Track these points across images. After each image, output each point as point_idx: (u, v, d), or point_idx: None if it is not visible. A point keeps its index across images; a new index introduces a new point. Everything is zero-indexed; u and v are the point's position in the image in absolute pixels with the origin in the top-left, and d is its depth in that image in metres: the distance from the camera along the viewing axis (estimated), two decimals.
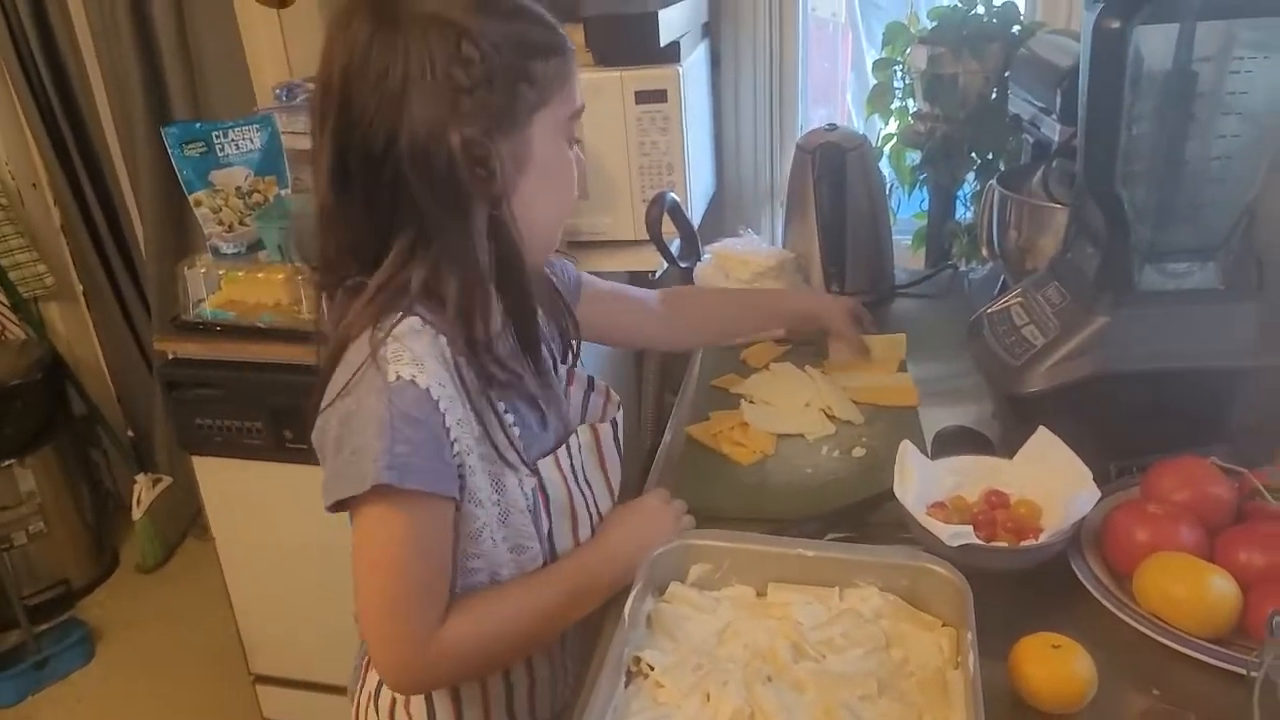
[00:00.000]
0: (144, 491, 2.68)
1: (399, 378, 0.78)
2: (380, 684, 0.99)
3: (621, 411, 1.05)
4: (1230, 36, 0.94)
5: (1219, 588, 0.86)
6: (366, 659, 1.00)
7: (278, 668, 2.09)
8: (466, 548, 0.86)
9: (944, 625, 0.86)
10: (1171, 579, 0.88)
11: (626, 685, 0.82)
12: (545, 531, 0.93)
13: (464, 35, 0.78)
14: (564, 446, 0.95)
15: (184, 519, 2.86)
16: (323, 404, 0.82)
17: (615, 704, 0.80)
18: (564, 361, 1.04)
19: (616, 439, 1.02)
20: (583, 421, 1.01)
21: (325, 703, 2.01)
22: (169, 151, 1.82)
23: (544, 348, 0.97)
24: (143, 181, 2.46)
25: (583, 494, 0.97)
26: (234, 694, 2.18)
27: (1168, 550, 0.91)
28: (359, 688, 1.02)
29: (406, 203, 0.81)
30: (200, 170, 1.84)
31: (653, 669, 0.83)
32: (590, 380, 1.04)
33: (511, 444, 0.88)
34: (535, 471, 0.90)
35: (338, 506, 0.81)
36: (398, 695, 0.97)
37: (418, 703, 0.96)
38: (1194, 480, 0.97)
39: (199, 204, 1.84)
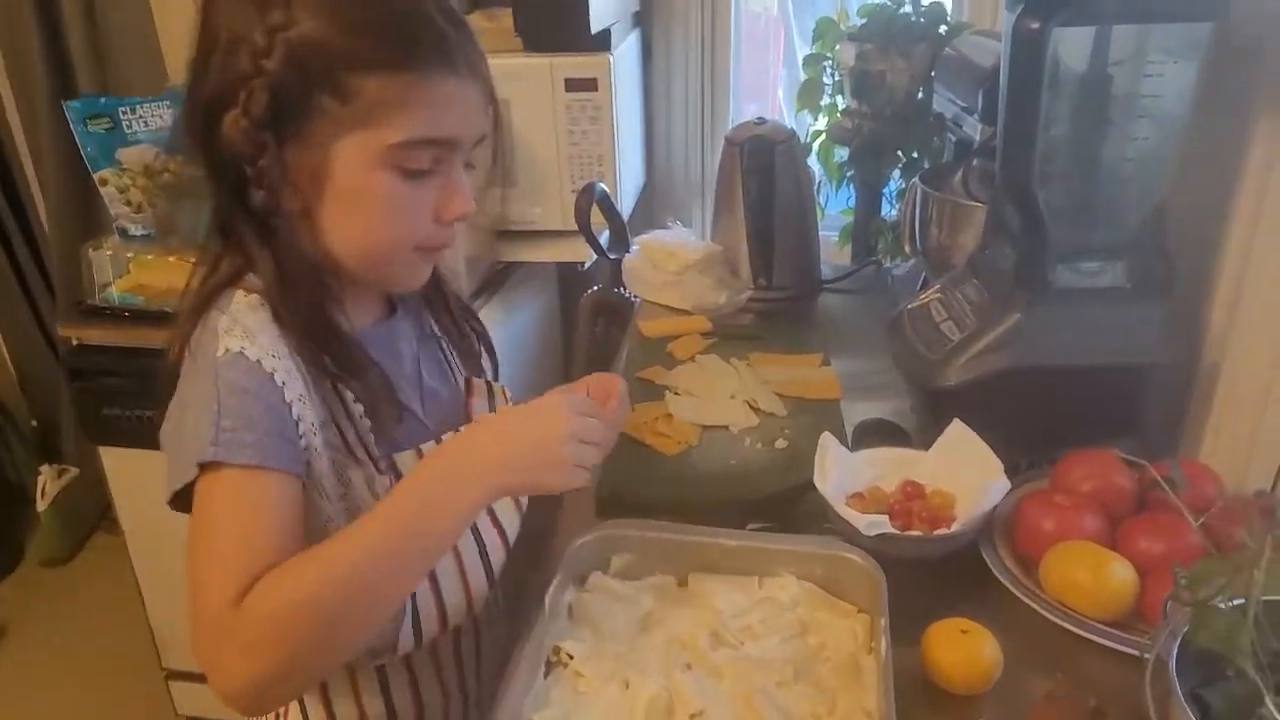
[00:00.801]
0: (49, 483, 2.58)
1: (227, 351, 0.74)
2: None
3: (505, 402, 1.00)
4: (1144, 41, 0.98)
5: (1119, 574, 0.89)
6: None
7: (191, 663, 2.03)
8: (314, 541, 0.73)
9: (859, 612, 0.88)
10: (1075, 566, 0.91)
11: (546, 675, 0.82)
12: None
13: (266, 16, 0.72)
14: (433, 441, 0.87)
15: (92, 512, 2.76)
16: (168, 408, 0.78)
17: (534, 693, 0.79)
18: (479, 376, 1.00)
19: None
20: None
21: None
22: (72, 128, 1.74)
23: (446, 355, 0.96)
24: (46, 159, 2.36)
25: None
26: (147, 690, 2.12)
27: (1073, 539, 0.94)
28: None
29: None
30: (106, 148, 1.77)
31: (572, 658, 0.82)
32: (489, 386, 1.00)
33: (360, 437, 0.82)
34: (393, 467, 0.83)
35: (179, 503, 0.74)
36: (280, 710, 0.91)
37: (295, 715, 0.90)
38: (1099, 472, 1.01)
39: (105, 183, 1.77)
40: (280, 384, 0.75)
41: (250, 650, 0.67)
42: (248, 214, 0.77)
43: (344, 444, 0.81)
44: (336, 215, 0.78)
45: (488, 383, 1.00)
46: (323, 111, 0.73)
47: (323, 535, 0.73)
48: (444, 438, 0.88)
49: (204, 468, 0.71)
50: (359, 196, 0.77)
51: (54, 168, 2.34)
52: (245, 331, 0.75)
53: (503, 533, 0.92)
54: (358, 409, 0.82)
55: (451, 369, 0.98)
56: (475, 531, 0.88)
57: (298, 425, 0.76)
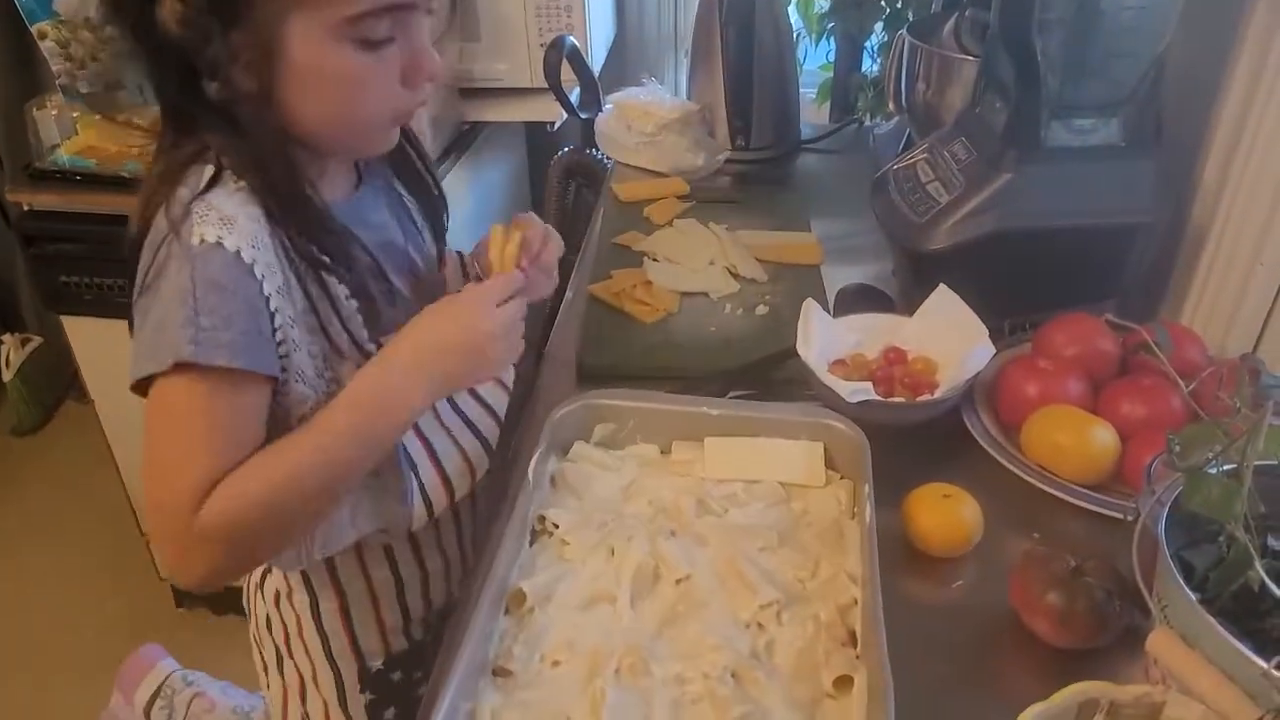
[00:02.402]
0: (12, 352, 2.54)
1: (203, 240, 0.70)
2: (266, 570, 0.94)
3: (476, 272, 0.97)
4: None
5: (1101, 438, 0.90)
6: None
7: None
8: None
9: (842, 478, 0.88)
10: (1057, 430, 0.92)
11: (531, 544, 0.82)
12: None
13: None
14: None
15: (60, 380, 2.72)
16: (135, 288, 0.74)
17: (521, 561, 0.79)
18: (438, 238, 0.96)
19: None
20: None
21: None
22: None
23: (415, 223, 0.92)
24: None
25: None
26: (128, 554, 2.13)
27: (1055, 403, 0.94)
28: (250, 612, 0.98)
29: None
30: None
31: (557, 527, 0.82)
32: (460, 256, 0.98)
33: (344, 324, 0.79)
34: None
35: (140, 387, 0.72)
36: (281, 586, 0.92)
37: (300, 595, 0.91)
38: (1083, 336, 1.00)
39: (43, 36, 1.65)
40: (260, 277, 0.72)
41: (207, 553, 0.70)
42: (203, 104, 0.72)
43: (327, 335, 0.78)
44: (299, 95, 0.72)
45: (459, 253, 0.97)
46: None
47: (301, 424, 0.75)
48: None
49: (176, 365, 0.69)
50: (319, 75, 0.71)
51: None
52: (222, 218, 0.71)
53: (492, 411, 0.92)
54: (342, 291, 0.78)
55: (421, 236, 0.94)
56: (462, 414, 0.88)
57: (273, 319, 0.73)
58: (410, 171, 0.93)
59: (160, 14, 0.67)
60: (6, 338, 2.54)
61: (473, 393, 0.91)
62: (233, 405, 0.71)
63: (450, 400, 0.88)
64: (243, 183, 0.73)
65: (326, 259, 0.77)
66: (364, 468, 0.77)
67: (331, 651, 0.93)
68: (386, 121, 0.78)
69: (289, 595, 0.92)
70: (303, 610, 0.92)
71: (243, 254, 0.71)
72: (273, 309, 0.73)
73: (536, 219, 0.90)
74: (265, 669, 0.99)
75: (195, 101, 0.72)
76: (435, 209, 0.96)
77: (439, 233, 0.97)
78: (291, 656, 0.95)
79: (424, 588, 0.96)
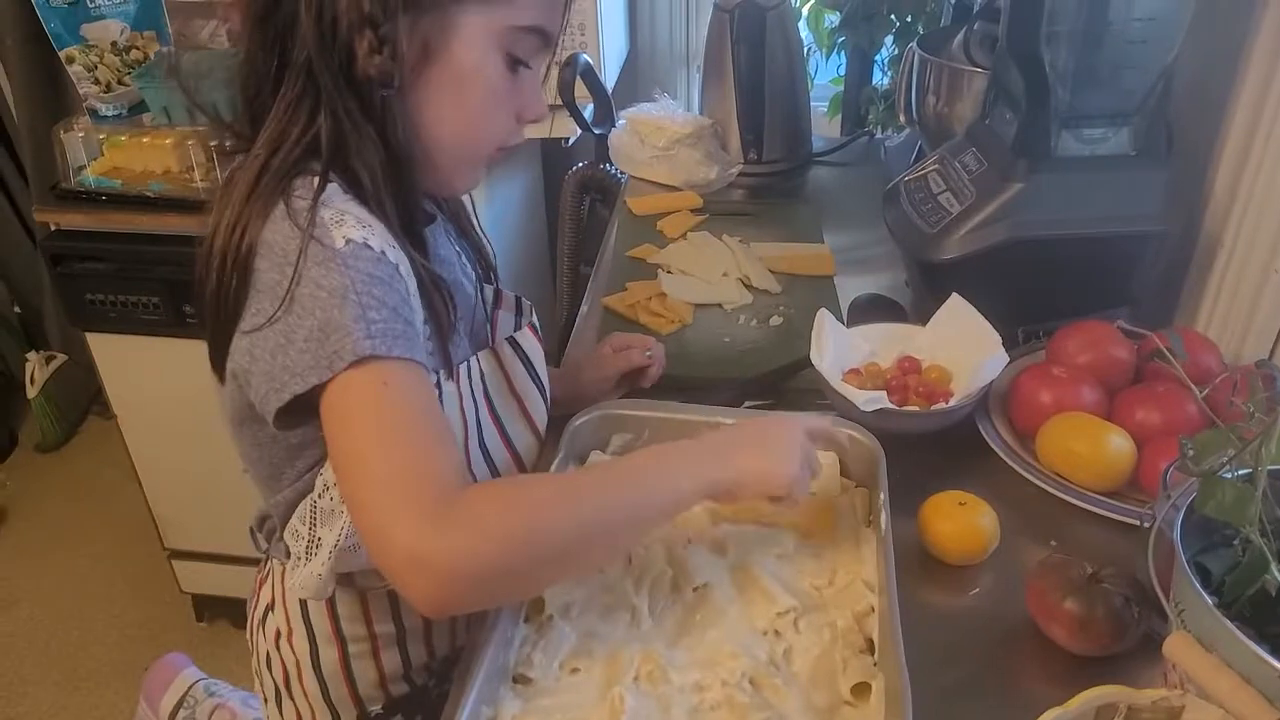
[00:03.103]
0: (37, 369, 2.57)
1: (349, 241, 0.65)
2: (268, 608, 0.90)
3: (532, 319, 0.95)
4: None
5: (1116, 445, 0.90)
6: (261, 573, 0.93)
7: (192, 542, 2.06)
8: None
9: (857, 486, 0.89)
10: (1072, 437, 0.92)
11: None
12: None
13: None
14: (465, 366, 0.82)
15: (84, 397, 2.76)
16: (273, 310, 0.65)
17: None
18: (488, 281, 0.94)
19: (522, 354, 0.89)
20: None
21: (245, 575, 2.00)
22: (33, 1, 1.66)
23: (472, 263, 0.92)
24: (7, 36, 2.25)
25: (478, 423, 0.84)
26: (151, 570, 2.16)
27: (1070, 410, 0.94)
28: (252, 606, 0.94)
29: (299, 50, 0.69)
30: (70, 23, 1.68)
31: None
32: (518, 301, 0.96)
33: (433, 348, 0.76)
34: (444, 380, 0.79)
35: (287, 413, 0.66)
36: (282, 626, 0.88)
37: (300, 640, 0.88)
38: (1097, 343, 1.01)
39: (71, 60, 1.70)
40: (405, 275, 0.69)
41: (478, 532, 0.60)
42: (346, 86, 0.69)
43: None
44: (440, 96, 0.72)
45: (517, 298, 0.96)
46: None
47: None
48: (472, 361, 0.84)
49: (354, 364, 0.63)
50: (469, 79, 0.72)
51: (16, 46, 2.23)
52: (359, 220, 0.68)
53: (520, 461, 0.89)
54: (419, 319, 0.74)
55: (477, 274, 0.93)
56: (492, 463, 0.85)
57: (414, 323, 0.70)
58: (460, 215, 0.93)
59: None
60: (32, 355, 2.57)
61: (506, 441, 0.87)
62: (429, 396, 0.67)
63: (484, 448, 0.85)
64: (350, 194, 0.71)
65: (435, 274, 0.75)
66: (633, 530, 0.72)
67: (330, 698, 0.90)
68: (492, 149, 0.78)
69: (289, 637, 0.89)
70: (302, 655, 0.88)
71: (387, 254, 0.68)
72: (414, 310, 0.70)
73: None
74: (266, 702, 0.97)
75: (340, 83, 0.69)
76: (485, 257, 0.95)
77: (487, 276, 0.95)
78: (291, 698, 0.92)
79: (426, 636, 0.92)
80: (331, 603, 0.86)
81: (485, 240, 0.96)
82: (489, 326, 0.92)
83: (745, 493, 0.74)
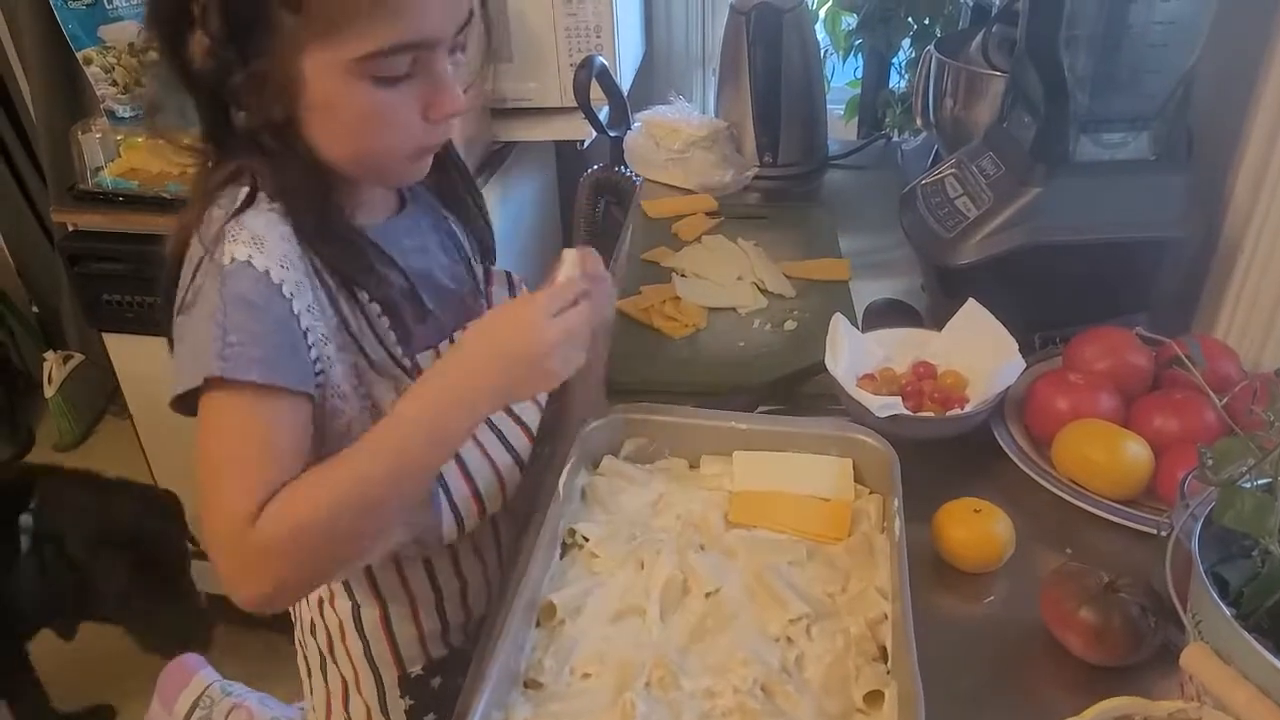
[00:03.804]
0: (54, 369, 2.59)
1: (233, 260, 0.71)
2: (313, 620, 0.96)
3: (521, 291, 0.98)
4: None
5: (1133, 452, 0.89)
6: None
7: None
8: (335, 446, 0.75)
9: (871, 493, 0.88)
10: (1089, 444, 0.91)
11: (562, 556, 0.83)
12: None
13: None
14: (449, 341, 0.87)
15: (100, 396, 2.77)
16: (175, 307, 0.75)
17: (551, 574, 0.80)
18: (480, 260, 0.97)
19: None
20: None
21: None
22: (51, 3, 1.67)
23: (458, 244, 0.93)
24: (25, 37, 2.27)
25: None
26: None
27: (1086, 417, 0.93)
28: (296, 617, 1.00)
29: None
30: (87, 25, 1.69)
31: (587, 540, 0.83)
32: (508, 276, 0.98)
33: (380, 340, 0.80)
34: (416, 366, 0.83)
35: (180, 405, 0.73)
36: (324, 592, 0.93)
37: (343, 601, 0.92)
38: (1114, 350, 1.00)
39: (89, 62, 1.71)
40: (289, 295, 0.72)
41: (266, 569, 0.69)
42: (234, 130, 0.74)
43: (361, 350, 0.79)
44: (319, 127, 0.74)
45: (506, 272, 0.98)
46: (279, 25, 0.68)
47: (345, 439, 0.75)
48: (456, 335, 0.87)
49: (210, 381, 0.70)
50: (336, 110, 0.73)
51: (35, 47, 2.25)
52: (253, 237, 0.72)
53: (526, 427, 0.93)
54: (374, 309, 0.79)
55: (465, 255, 0.95)
56: (497, 430, 0.89)
57: (306, 336, 0.74)
58: (452, 195, 0.94)
59: (189, 47, 0.70)
60: (49, 355, 2.59)
61: (508, 410, 0.92)
62: (272, 420, 0.72)
63: (488, 419, 0.89)
64: (275, 203, 0.75)
65: (356, 276, 0.78)
66: (417, 486, 0.77)
67: (373, 656, 0.94)
68: (408, 155, 0.78)
69: (331, 601, 0.93)
70: (345, 616, 0.93)
71: (272, 273, 0.71)
72: (304, 327, 0.74)
73: (591, 252, 0.89)
74: (309, 673, 1.00)
75: (227, 128, 0.74)
76: (481, 231, 0.97)
77: (486, 253, 0.98)
78: (335, 661, 0.97)
79: (463, 597, 0.96)
80: (370, 568, 0.90)
81: (485, 220, 0.97)
82: (485, 304, 0.94)
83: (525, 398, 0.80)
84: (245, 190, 0.74)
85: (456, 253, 0.93)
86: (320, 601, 0.94)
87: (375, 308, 0.79)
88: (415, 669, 0.96)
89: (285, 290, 0.72)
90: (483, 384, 0.75)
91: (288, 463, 0.72)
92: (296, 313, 0.73)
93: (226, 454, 0.71)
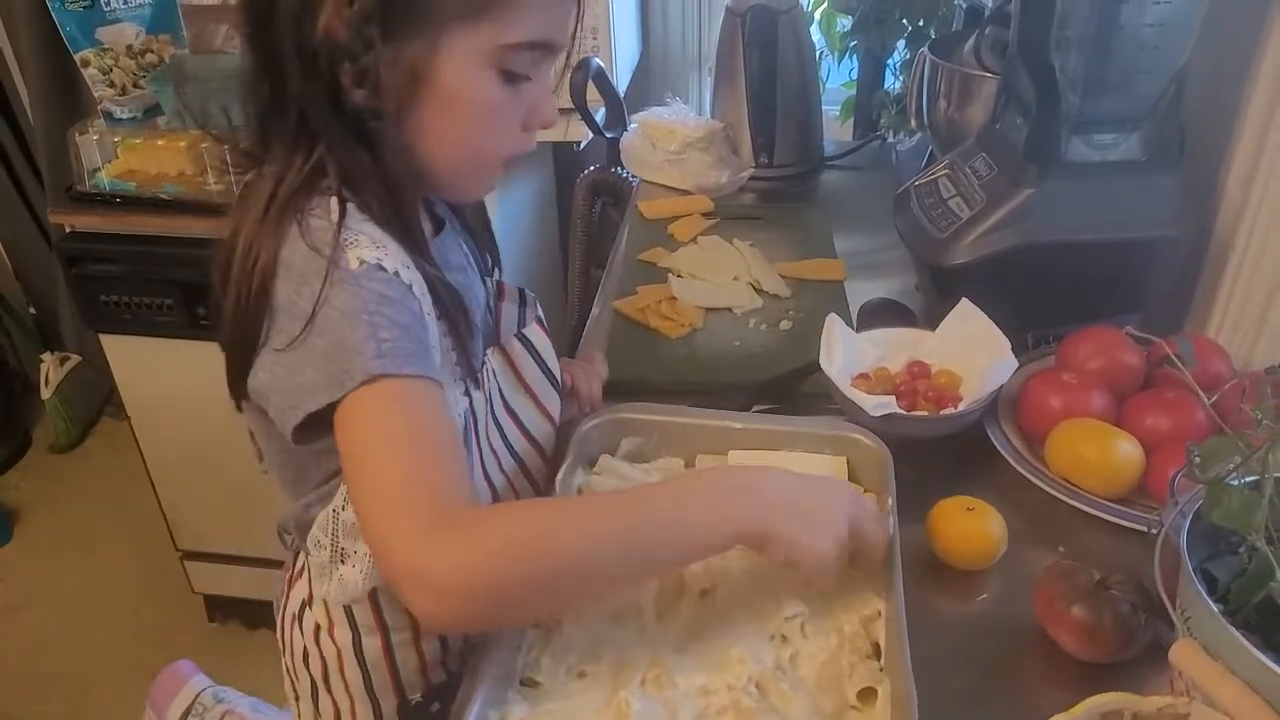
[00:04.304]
0: (51, 370, 2.58)
1: (362, 262, 0.67)
2: (304, 603, 0.89)
3: (537, 314, 0.96)
4: None
5: (1125, 451, 0.90)
6: (290, 572, 0.92)
7: (205, 543, 2.07)
8: None
9: (866, 491, 0.89)
10: (1081, 443, 0.92)
11: None
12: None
13: None
14: (482, 361, 0.85)
15: (97, 398, 2.77)
16: (267, 341, 0.68)
17: None
18: (490, 275, 0.95)
19: (532, 349, 0.91)
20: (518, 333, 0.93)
21: (257, 576, 2.02)
22: (48, 5, 1.67)
23: (477, 261, 0.92)
24: (22, 38, 2.27)
25: (498, 423, 0.87)
26: (163, 570, 2.17)
27: (1079, 416, 0.94)
28: (282, 605, 0.94)
29: (290, 79, 0.70)
30: (85, 26, 1.70)
31: None
32: (521, 293, 0.96)
33: (457, 359, 0.78)
34: (473, 388, 0.81)
35: (305, 427, 0.68)
36: (322, 620, 0.88)
37: (343, 631, 0.88)
38: (1106, 349, 1.01)
39: (86, 64, 1.71)
40: (419, 295, 0.71)
41: (475, 546, 0.61)
42: (337, 116, 0.70)
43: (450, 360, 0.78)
44: (434, 120, 0.72)
45: (520, 290, 0.97)
46: (431, 3, 0.67)
47: None
48: (488, 352, 0.86)
49: (365, 382, 0.65)
50: (460, 101, 0.71)
51: (32, 48, 2.25)
52: (374, 241, 0.69)
53: (541, 450, 0.92)
54: (441, 325, 0.76)
55: (480, 271, 0.94)
56: (518, 456, 0.89)
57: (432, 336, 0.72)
58: (473, 212, 0.94)
59: (322, 18, 0.67)
60: (46, 356, 2.59)
61: (525, 433, 0.90)
62: (440, 414, 0.68)
63: (506, 442, 0.88)
64: (365, 214, 0.71)
65: (445, 289, 0.75)
66: (635, 571, 0.70)
67: (372, 686, 0.91)
68: (501, 161, 0.78)
69: (330, 630, 0.89)
70: (344, 645, 0.89)
71: (401, 275, 0.69)
72: (430, 328, 0.72)
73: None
74: (297, 699, 0.96)
75: (331, 114, 0.70)
76: (489, 245, 0.96)
77: (494, 266, 0.97)
78: (329, 690, 0.93)
79: None
80: (373, 594, 0.87)
81: (491, 234, 0.97)
82: (492, 319, 0.93)
83: (769, 553, 0.71)
84: (334, 199, 0.70)
85: (478, 275, 0.92)
86: (317, 629, 0.89)
87: (443, 324, 0.76)
88: (415, 696, 0.93)
89: (415, 290, 0.70)
90: (749, 502, 0.70)
91: (463, 454, 0.69)
92: (425, 313, 0.71)
93: (407, 445, 0.64)
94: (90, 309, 1.77)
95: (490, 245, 0.96)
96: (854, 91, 1.95)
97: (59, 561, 2.38)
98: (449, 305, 0.75)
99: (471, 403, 0.81)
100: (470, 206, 0.94)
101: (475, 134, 0.74)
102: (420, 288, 0.71)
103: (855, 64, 1.93)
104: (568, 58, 0.80)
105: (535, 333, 0.92)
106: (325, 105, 0.70)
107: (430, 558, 0.60)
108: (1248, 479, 0.62)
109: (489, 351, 0.86)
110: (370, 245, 0.69)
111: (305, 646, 0.91)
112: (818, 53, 1.81)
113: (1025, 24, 1.02)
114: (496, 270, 0.97)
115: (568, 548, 0.64)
